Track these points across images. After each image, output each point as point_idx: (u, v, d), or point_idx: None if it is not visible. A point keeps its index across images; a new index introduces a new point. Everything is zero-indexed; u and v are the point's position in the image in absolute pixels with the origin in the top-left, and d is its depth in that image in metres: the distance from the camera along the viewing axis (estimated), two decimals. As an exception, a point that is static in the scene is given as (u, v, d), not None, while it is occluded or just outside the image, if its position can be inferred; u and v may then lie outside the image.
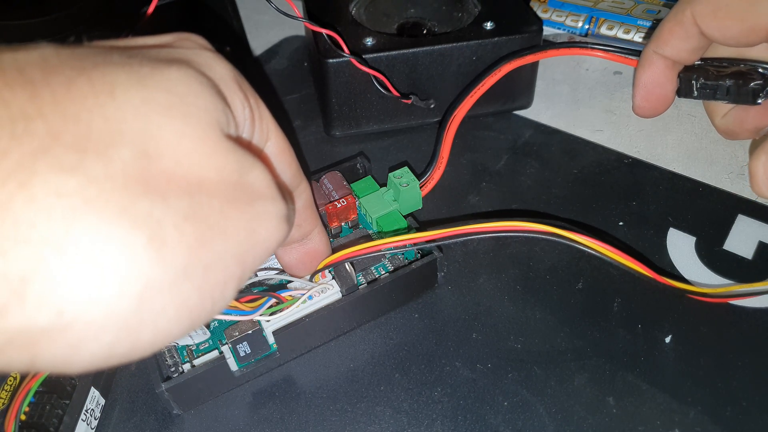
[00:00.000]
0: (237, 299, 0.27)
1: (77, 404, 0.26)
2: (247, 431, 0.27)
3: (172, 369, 0.27)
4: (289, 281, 0.29)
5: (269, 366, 0.29)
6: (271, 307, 0.27)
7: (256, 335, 0.27)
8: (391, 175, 0.33)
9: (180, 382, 0.26)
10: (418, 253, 0.31)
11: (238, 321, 0.27)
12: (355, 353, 0.30)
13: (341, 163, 0.36)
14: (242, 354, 0.27)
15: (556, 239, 0.27)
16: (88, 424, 0.26)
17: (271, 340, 0.28)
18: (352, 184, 0.34)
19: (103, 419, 0.28)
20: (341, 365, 0.29)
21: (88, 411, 0.26)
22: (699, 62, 0.31)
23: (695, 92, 0.31)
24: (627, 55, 0.35)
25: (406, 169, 0.34)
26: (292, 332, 0.28)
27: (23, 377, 0.26)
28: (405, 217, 0.33)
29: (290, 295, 0.28)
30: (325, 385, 0.29)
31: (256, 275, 0.30)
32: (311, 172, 0.36)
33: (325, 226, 0.33)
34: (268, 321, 0.27)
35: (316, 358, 0.30)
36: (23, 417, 0.25)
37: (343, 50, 0.36)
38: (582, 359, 0.29)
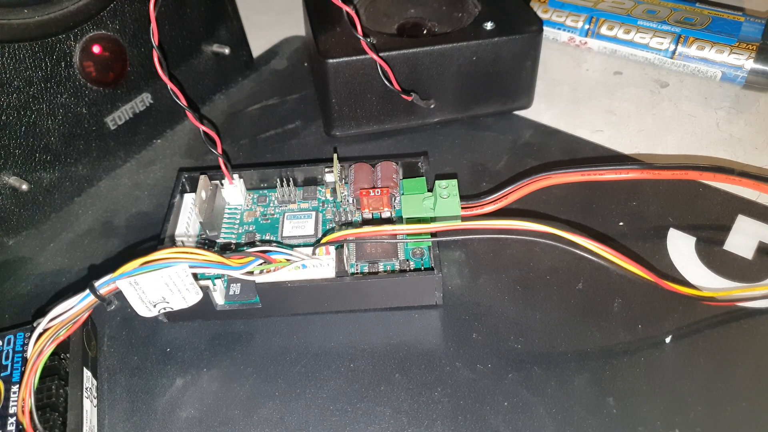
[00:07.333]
0: (227, 257, 0.28)
1: (76, 384, 0.27)
2: (247, 431, 0.27)
3: None
4: (297, 245, 0.31)
5: (248, 315, 0.31)
6: (260, 265, 0.29)
7: (249, 282, 0.30)
8: (437, 182, 0.32)
9: None
10: (432, 264, 0.30)
11: (225, 275, 0.30)
12: (355, 353, 0.30)
13: (404, 157, 0.36)
14: (231, 293, 0.31)
15: (556, 243, 0.27)
16: (90, 402, 0.28)
17: None
18: (404, 180, 0.34)
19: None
20: (341, 365, 0.29)
21: (87, 389, 0.28)
22: None
23: None
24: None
25: (454, 181, 0.32)
26: (274, 291, 0.29)
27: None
28: None
29: (287, 259, 0.29)
30: (325, 385, 0.29)
31: (260, 244, 0.32)
32: (369, 158, 0.36)
33: (357, 210, 0.33)
34: (253, 274, 0.29)
35: (316, 358, 0.30)
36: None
37: (357, 30, 0.35)
38: (582, 359, 0.29)
